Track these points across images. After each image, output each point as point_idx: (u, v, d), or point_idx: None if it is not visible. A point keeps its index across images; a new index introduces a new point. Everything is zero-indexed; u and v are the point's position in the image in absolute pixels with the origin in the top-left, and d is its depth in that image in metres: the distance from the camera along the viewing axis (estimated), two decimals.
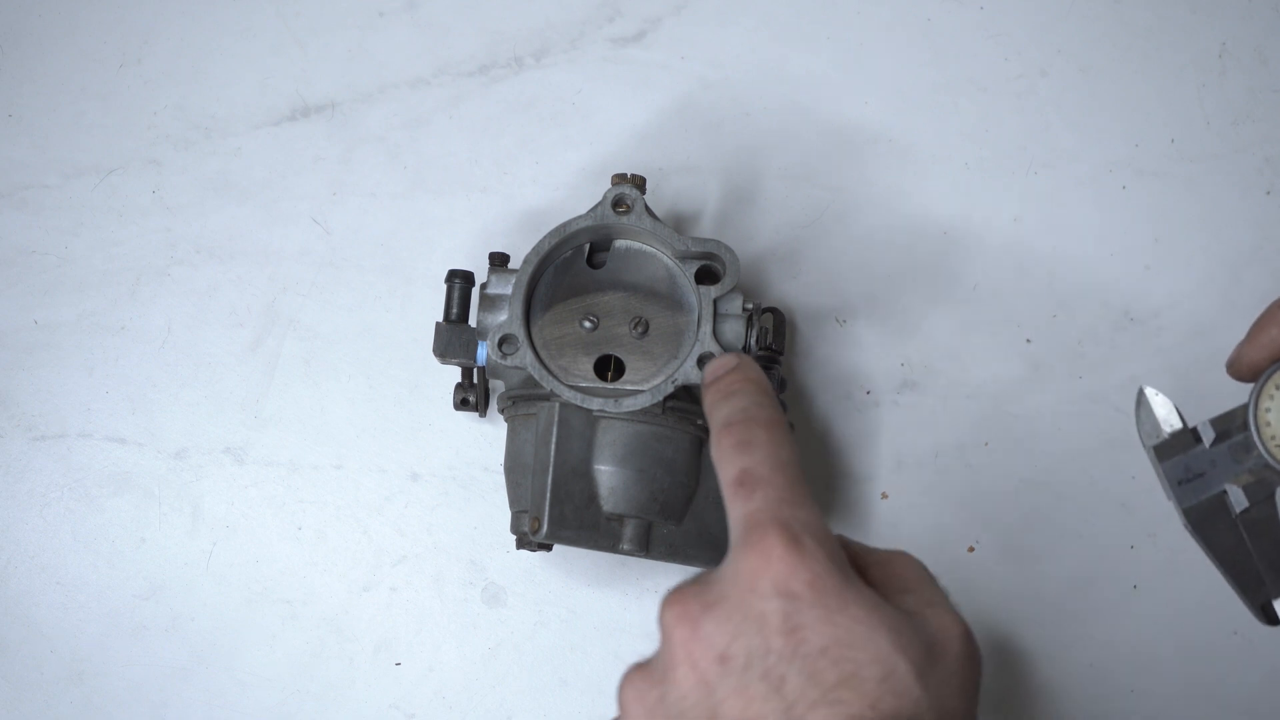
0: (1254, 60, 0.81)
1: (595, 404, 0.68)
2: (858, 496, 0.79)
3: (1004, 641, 0.78)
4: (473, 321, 0.73)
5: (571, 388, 0.68)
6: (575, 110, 0.82)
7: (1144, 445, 0.62)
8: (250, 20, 0.83)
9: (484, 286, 0.71)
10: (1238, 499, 0.60)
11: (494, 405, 0.76)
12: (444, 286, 0.74)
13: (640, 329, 0.70)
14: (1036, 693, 0.77)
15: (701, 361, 0.68)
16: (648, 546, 0.69)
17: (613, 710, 0.55)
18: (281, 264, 0.81)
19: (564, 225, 0.70)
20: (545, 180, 0.81)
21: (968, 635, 0.55)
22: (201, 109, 0.83)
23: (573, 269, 0.71)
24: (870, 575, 0.57)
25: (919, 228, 0.81)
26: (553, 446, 0.67)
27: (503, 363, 0.68)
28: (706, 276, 0.70)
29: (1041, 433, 0.79)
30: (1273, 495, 0.60)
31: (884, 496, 0.79)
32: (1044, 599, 0.78)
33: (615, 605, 0.78)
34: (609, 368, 0.70)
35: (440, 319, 0.73)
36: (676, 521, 0.70)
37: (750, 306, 0.70)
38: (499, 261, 0.72)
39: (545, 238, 0.70)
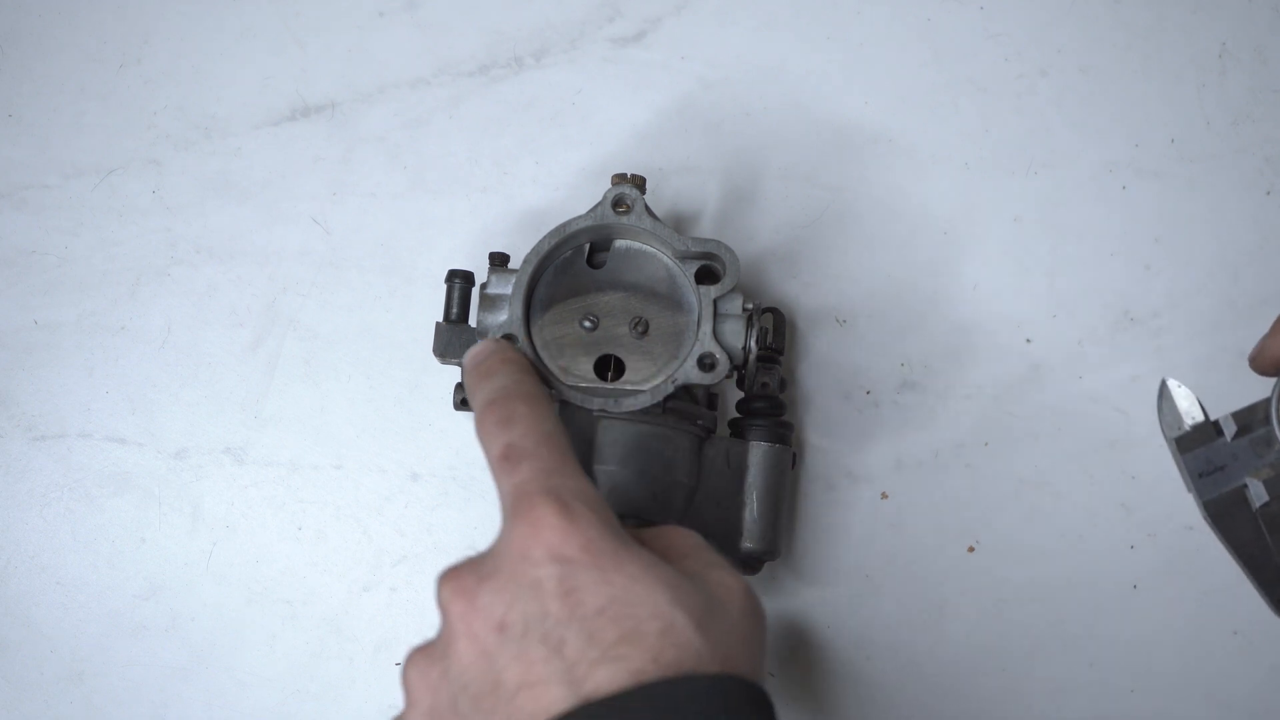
0: (1254, 60, 0.81)
1: (595, 404, 0.68)
2: (858, 496, 0.79)
3: (1004, 641, 0.78)
4: (473, 321, 0.73)
5: (572, 388, 0.68)
6: (575, 110, 0.82)
7: (1165, 437, 0.61)
8: (250, 20, 0.83)
9: (484, 286, 0.71)
10: (1258, 493, 0.60)
11: None
12: (444, 286, 0.74)
13: (640, 329, 0.70)
14: (1036, 692, 0.77)
15: (702, 362, 0.68)
16: None
17: None
18: (281, 264, 0.81)
19: (564, 225, 0.70)
20: (545, 180, 0.81)
21: (748, 591, 0.56)
22: (201, 109, 0.83)
23: (573, 269, 0.71)
24: (649, 547, 0.57)
25: (919, 228, 0.81)
26: None
27: None
28: (706, 276, 0.70)
29: (1041, 433, 0.79)
30: None
31: (884, 496, 0.79)
32: (1044, 599, 0.78)
33: None
34: (609, 368, 0.70)
35: (440, 319, 0.73)
36: (676, 521, 0.70)
37: (750, 306, 0.70)
38: (499, 261, 0.72)
39: (545, 238, 0.70)
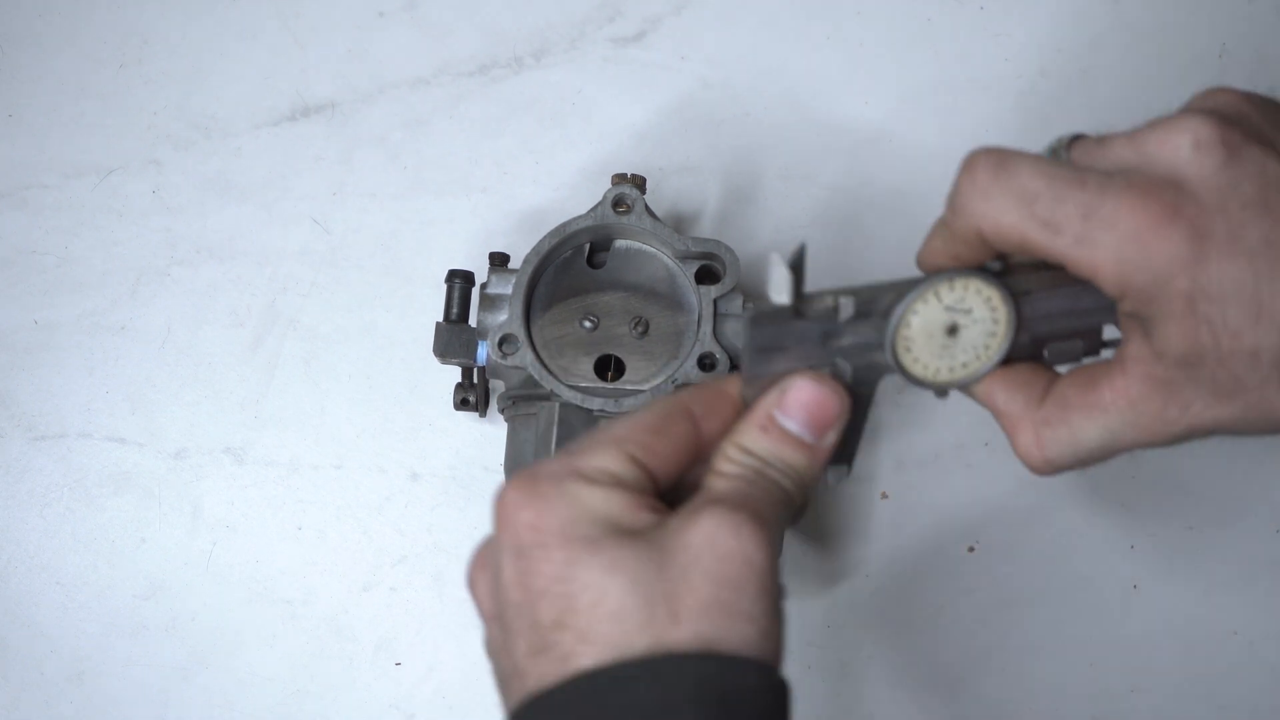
0: (1254, 60, 0.81)
1: (595, 404, 0.68)
2: (858, 496, 0.79)
3: (1004, 641, 0.78)
4: (473, 321, 0.73)
5: (572, 388, 0.68)
6: (575, 110, 0.82)
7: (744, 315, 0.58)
8: (250, 20, 0.83)
9: (484, 286, 0.71)
10: (844, 371, 0.58)
11: (494, 405, 0.76)
12: (444, 286, 0.74)
13: (640, 329, 0.70)
14: (1037, 692, 0.77)
15: (702, 362, 0.68)
16: None
17: None
18: (281, 264, 0.81)
19: (564, 225, 0.70)
20: (545, 180, 0.81)
21: (720, 515, 0.52)
22: (201, 109, 0.83)
23: (573, 269, 0.71)
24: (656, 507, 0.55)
25: (919, 227, 0.80)
26: (553, 446, 0.67)
27: (503, 363, 0.68)
28: (707, 276, 0.70)
29: None
30: (874, 382, 0.58)
31: (884, 496, 0.79)
32: (1044, 599, 0.78)
33: None
34: (609, 368, 0.70)
35: (440, 319, 0.73)
36: None
37: (750, 306, 0.70)
38: (499, 261, 0.72)
39: (545, 238, 0.70)
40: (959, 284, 0.57)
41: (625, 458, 0.54)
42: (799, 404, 0.56)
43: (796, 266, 0.54)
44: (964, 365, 0.58)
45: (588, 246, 0.71)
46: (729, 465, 0.55)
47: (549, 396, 0.68)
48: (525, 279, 0.69)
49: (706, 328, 0.69)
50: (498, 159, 0.82)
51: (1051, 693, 0.77)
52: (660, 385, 0.68)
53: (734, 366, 0.70)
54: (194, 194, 0.82)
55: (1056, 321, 0.59)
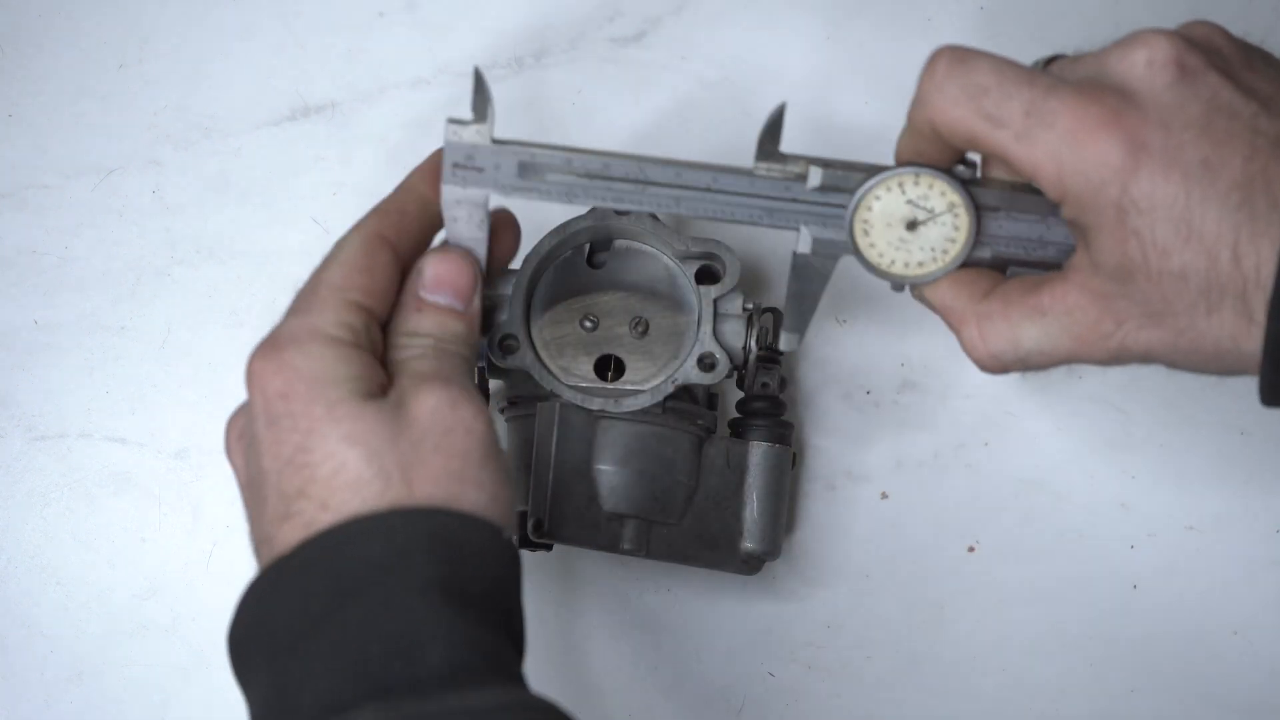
0: None
1: (595, 404, 0.68)
2: (858, 496, 0.79)
3: (1003, 642, 0.78)
4: None
5: (572, 388, 0.68)
6: (575, 110, 0.82)
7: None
8: (250, 20, 0.83)
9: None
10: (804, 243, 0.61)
11: (494, 405, 0.76)
12: None
13: (640, 329, 0.70)
14: (1036, 692, 0.77)
15: (702, 362, 0.68)
16: (648, 546, 0.69)
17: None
18: (281, 264, 0.81)
19: (564, 225, 0.70)
20: None
21: (437, 390, 0.56)
22: (201, 109, 0.83)
23: (573, 269, 0.71)
24: (369, 372, 0.58)
25: None
26: (553, 446, 0.67)
27: (503, 363, 0.68)
28: (706, 276, 0.70)
29: (1041, 433, 0.79)
30: (834, 257, 0.62)
31: (884, 496, 0.79)
32: (1044, 599, 0.78)
33: (615, 605, 0.78)
34: (609, 368, 0.70)
35: None
36: (676, 521, 0.70)
37: (750, 306, 0.70)
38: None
39: (545, 238, 0.70)
40: (924, 180, 0.60)
41: (353, 306, 0.58)
42: (436, 279, 0.61)
43: (774, 124, 0.60)
44: (920, 264, 0.61)
45: (587, 246, 0.71)
46: (406, 351, 0.59)
47: (549, 396, 0.68)
48: (525, 279, 0.69)
49: (706, 328, 0.69)
50: None
51: (1051, 693, 0.77)
52: (660, 385, 0.68)
53: (734, 367, 0.70)
54: (194, 194, 0.82)
55: (1022, 247, 0.61)
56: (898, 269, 0.61)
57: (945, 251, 0.61)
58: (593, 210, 0.70)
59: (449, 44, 0.83)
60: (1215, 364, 0.55)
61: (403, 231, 0.62)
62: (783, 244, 0.80)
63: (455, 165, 0.61)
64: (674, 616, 0.78)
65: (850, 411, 0.79)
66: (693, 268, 0.70)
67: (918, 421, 0.79)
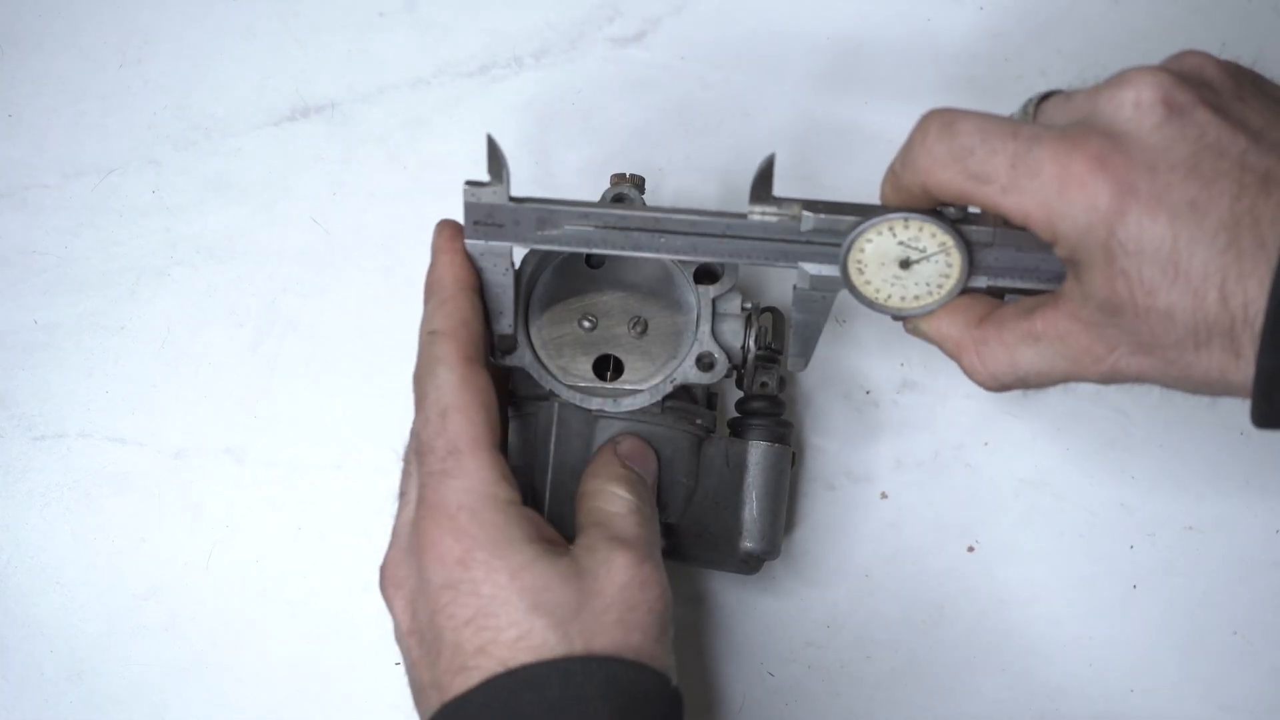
0: (1254, 61, 0.80)
1: (594, 404, 0.68)
2: (858, 496, 0.79)
3: (1003, 642, 0.78)
4: None
5: (570, 387, 0.68)
6: (575, 110, 0.82)
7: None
8: (250, 20, 0.83)
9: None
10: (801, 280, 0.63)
11: None
12: None
13: (639, 329, 0.70)
14: (1036, 692, 0.77)
15: (701, 361, 0.68)
16: None
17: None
18: (281, 264, 0.81)
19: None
20: (545, 180, 0.81)
21: (632, 564, 0.59)
22: (201, 109, 0.83)
23: (571, 268, 0.71)
24: (581, 505, 0.63)
25: None
26: (552, 446, 0.67)
27: (502, 363, 0.68)
28: (705, 276, 0.70)
29: (1041, 433, 0.79)
30: (832, 291, 0.63)
31: (884, 496, 0.79)
32: (1044, 599, 0.78)
33: None
34: (608, 367, 0.70)
35: None
36: (676, 520, 0.70)
37: (749, 306, 0.70)
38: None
39: None
40: (914, 224, 0.61)
41: (498, 456, 0.60)
42: (631, 452, 0.66)
43: (765, 173, 0.61)
44: (916, 298, 0.63)
45: None
46: (611, 503, 0.63)
47: (548, 396, 0.68)
48: (524, 279, 0.69)
49: (705, 327, 0.69)
50: None
51: (1051, 693, 0.77)
52: (659, 385, 0.68)
53: (733, 366, 0.70)
54: (194, 194, 0.82)
55: (1017, 276, 0.62)
56: (894, 303, 0.63)
57: (940, 285, 0.62)
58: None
59: (449, 44, 0.83)
60: (1205, 390, 0.56)
61: (476, 338, 0.63)
62: None
63: (476, 223, 0.63)
64: (674, 616, 0.78)
65: (850, 411, 0.79)
66: (691, 267, 0.70)
67: (918, 421, 0.79)
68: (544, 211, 0.62)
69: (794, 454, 0.74)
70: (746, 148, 0.82)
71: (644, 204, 0.70)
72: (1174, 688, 0.77)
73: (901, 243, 0.61)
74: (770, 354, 0.73)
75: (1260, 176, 0.53)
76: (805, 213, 0.61)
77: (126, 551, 0.79)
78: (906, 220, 0.61)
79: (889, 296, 0.63)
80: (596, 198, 0.70)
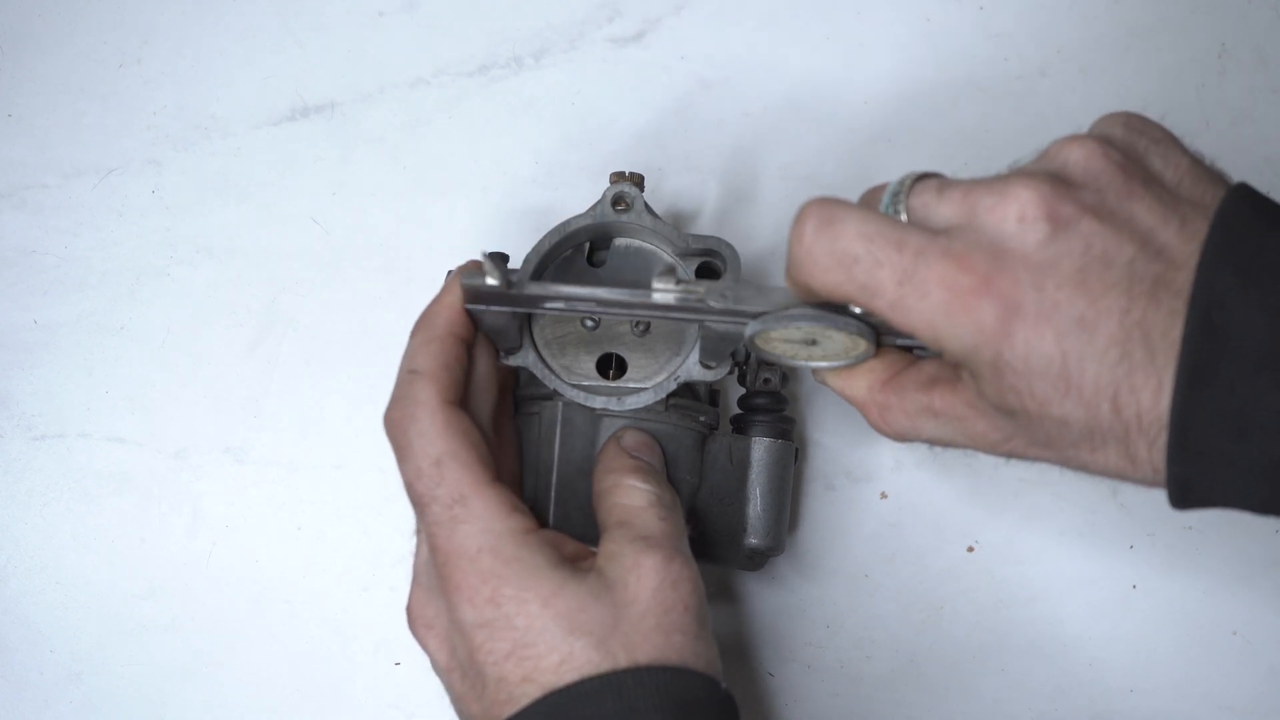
0: (1254, 60, 0.81)
1: (598, 402, 0.68)
2: (858, 496, 0.79)
3: (1003, 642, 0.78)
4: None
5: (574, 386, 0.68)
6: (575, 110, 0.82)
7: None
8: (250, 20, 0.83)
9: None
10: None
11: None
12: None
13: (642, 327, 0.70)
14: (1036, 692, 0.77)
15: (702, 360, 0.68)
16: None
17: None
18: (281, 264, 0.81)
19: (564, 224, 0.70)
20: (545, 180, 0.81)
21: (660, 567, 0.59)
22: (201, 109, 0.83)
23: (573, 268, 0.71)
24: (601, 504, 0.63)
25: None
26: (556, 445, 0.67)
27: (504, 362, 0.68)
28: (707, 274, 0.70)
29: None
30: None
31: (884, 496, 0.79)
32: (1044, 599, 0.78)
33: None
34: (611, 366, 0.70)
35: None
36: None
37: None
38: (499, 261, 0.72)
39: (545, 237, 0.70)
40: (818, 329, 0.61)
41: (502, 490, 0.60)
42: (636, 444, 0.67)
43: (669, 269, 0.61)
44: (824, 357, 0.63)
45: (588, 245, 0.71)
46: (630, 496, 0.63)
47: (551, 395, 0.68)
48: (526, 278, 0.69)
49: None
50: (497, 159, 0.82)
51: (1051, 693, 0.77)
52: (662, 382, 0.68)
53: (736, 363, 0.70)
54: (194, 194, 0.82)
55: (924, 345, 0.61)
56: (800, 360, 0.64)
57: (847, 353, 0.62)
58: (592, 209, 0.70)
59: (449, 44, 0.83)
60: (1105, 479, 0.56)
61: (457, 383, 0.63)
62: (781, 244, 0.80)
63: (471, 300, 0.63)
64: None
65: (850, 410, 0.79)
66: (693, 265, 0.70)
67: None
68: (539, 288, 0.62)
69: (796, 450, 0.74)
70: (746, 148, 0.82)
71: (644, 204, 0.70)
72: (1174, 688, 0.77)
73: (807, 334, 0.61)
74: None
75: (1150, 285, 0.52)
76: (713, 300, 0.61)
77: (126, 551, 0.79)
78: (813, 323, 0.60)
79: (795, 356, 0.63)
80: (597, 197, 0.70)
